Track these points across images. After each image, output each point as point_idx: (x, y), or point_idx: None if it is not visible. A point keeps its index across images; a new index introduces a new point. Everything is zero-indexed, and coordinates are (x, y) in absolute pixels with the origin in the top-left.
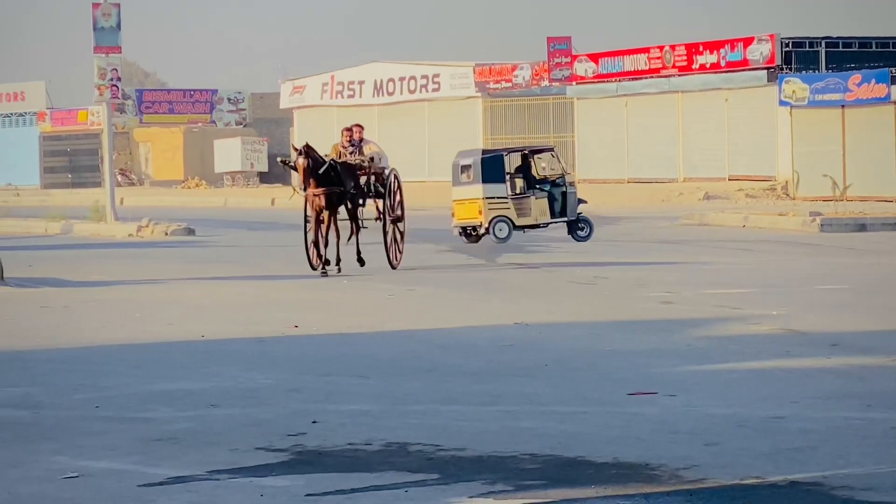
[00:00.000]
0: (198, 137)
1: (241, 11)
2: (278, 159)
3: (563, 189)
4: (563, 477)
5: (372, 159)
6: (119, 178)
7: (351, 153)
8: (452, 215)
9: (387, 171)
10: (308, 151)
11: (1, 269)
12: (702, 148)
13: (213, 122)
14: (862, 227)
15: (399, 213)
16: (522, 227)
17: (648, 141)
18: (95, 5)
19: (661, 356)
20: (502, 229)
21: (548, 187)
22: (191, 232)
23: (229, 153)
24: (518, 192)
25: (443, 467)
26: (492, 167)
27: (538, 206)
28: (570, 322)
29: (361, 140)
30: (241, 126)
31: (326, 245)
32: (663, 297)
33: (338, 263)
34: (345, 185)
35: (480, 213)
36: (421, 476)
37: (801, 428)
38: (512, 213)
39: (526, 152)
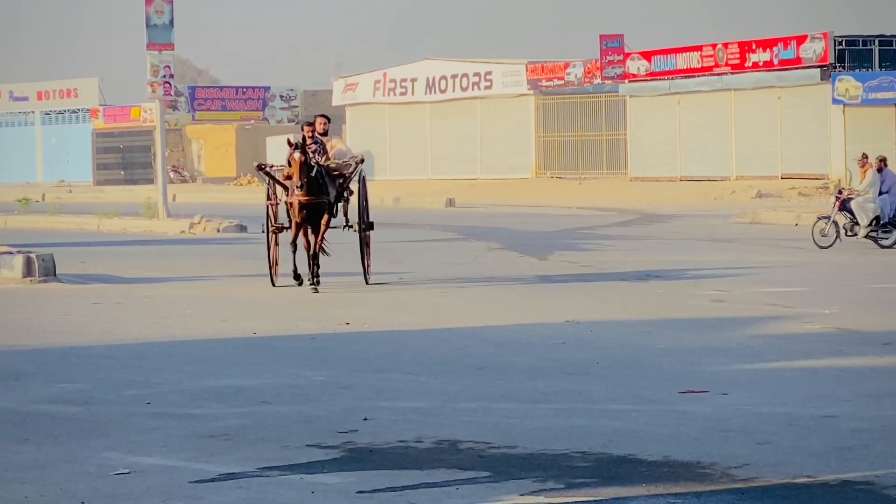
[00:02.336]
0: (250, 134)
1: (293, 9)
2: (255, 164)
3: None
4: (614, 475)
5: (362, 160)
6: (171, 174)
7: (314, 152)
8: None
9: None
10: (305, 147)
11: (53, 266)
12: (754, 146)
13: (266, 119)
14: None
15: (369, 219)
16: None
17: (701, 139)
18: (148, 2)
19: (712, 354)
20: None
21: None
22: (243, 229)
23: (282, 150)
24: None
25: (493, 465)
26: None
27: None
28: (622, 320)
29: (325, 134)
30: (294, 123)
31: (316, 260)
32: (715, 296)
33: (317, 276)
34: (329, 193)
35: None
36: (472, 473)
37: (853, 427)
38: None
39: None
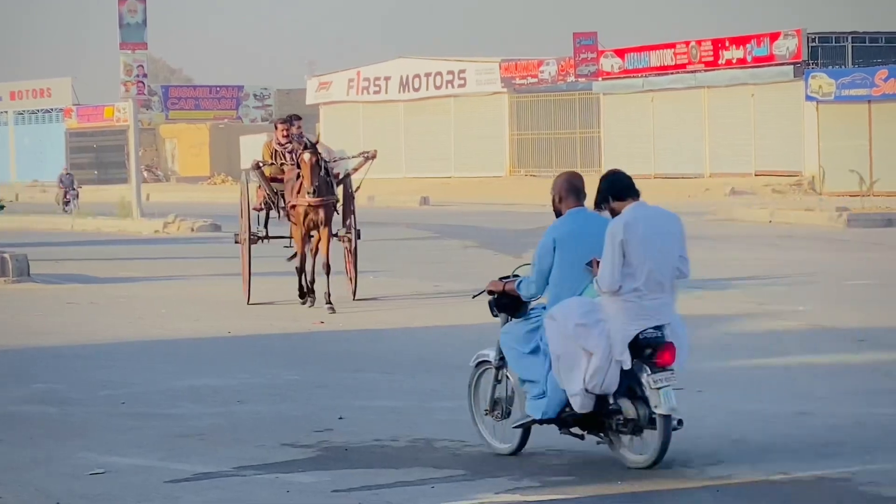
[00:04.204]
0: (224, 133)
1: (267, 7)
2: (253, 161)
3: None
4: (589, 473)
5: (374, 155)
6: (145, 174)
7: (290, 152)
8: None
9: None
10: (316, 147)
11: (27, 266)
12: (728, 143)
13: (239, 118)
14: (889, 222)
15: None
16: None
17: (675, 136)
18: (121, 2)
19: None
20: None
21: None
22: (217, 228)
23: (255, 149)
24: None
25: (469, 463)
26: None
27: None
28: None
29: (300, 135)
30: (267, 122)
31: (328, 273)
32: (689, 293)
33: (324, 298)
34: (336, 194)
35: None
36: (447, 472)
37: (827, 424)
38: None
39: None
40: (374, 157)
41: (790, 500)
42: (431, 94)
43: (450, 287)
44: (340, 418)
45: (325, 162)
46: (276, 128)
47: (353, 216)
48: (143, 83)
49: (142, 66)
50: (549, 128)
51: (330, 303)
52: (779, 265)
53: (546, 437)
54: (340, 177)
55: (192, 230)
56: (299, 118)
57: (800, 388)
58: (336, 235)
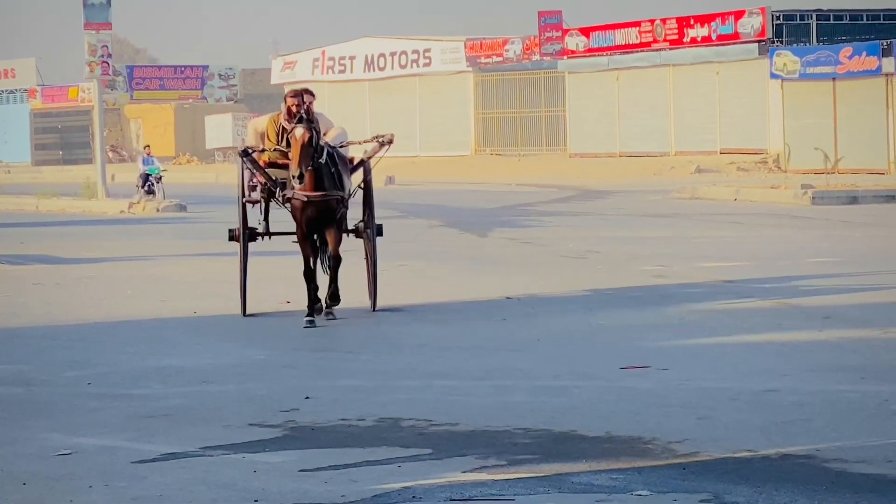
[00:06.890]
0: (189, 113)
1: None
2: (240, 149)
3: None
4: (556, 451)
5: (391, 140)
6: (110, 154)
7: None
8: None
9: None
10: (311, 119)
11: None
12: (693, 121)
13: (204, 98)
14: (853, 199)
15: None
16: None
17: (640, 114)
18: None
19: (653, 330)
20: None
21: None
22: (182, 208)
23: (220, 129)
24: None
25: (435, 442)
26: None
27: None
28: (563, 296)
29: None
30: (232, 102)
31: (334, 275)
32: (655, 271)
33: (323, 302)
34: (345, 186)
35: None
36: (414, 451)
37: (793, 401)
38: None
39: None
40: (390, 141)
41: (756, 477)
42: (396, 74)
43: (414, 266)
44: (307, 398)
45: (333, 149)
46: (285, 101)
47: (371, 210)
48: (107, 63)
49: (106, 47)
50: (515, 106)
51: (329, 307)
52: (744, 243)
53: (512, 415)
54: (356, 163)
55: (158, 210)
56: (312, 94)
57: (766, 366)
58: (356, 232)
